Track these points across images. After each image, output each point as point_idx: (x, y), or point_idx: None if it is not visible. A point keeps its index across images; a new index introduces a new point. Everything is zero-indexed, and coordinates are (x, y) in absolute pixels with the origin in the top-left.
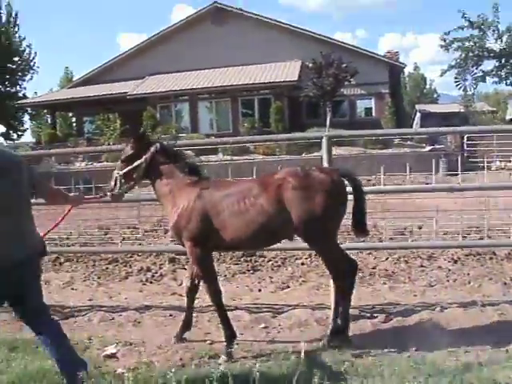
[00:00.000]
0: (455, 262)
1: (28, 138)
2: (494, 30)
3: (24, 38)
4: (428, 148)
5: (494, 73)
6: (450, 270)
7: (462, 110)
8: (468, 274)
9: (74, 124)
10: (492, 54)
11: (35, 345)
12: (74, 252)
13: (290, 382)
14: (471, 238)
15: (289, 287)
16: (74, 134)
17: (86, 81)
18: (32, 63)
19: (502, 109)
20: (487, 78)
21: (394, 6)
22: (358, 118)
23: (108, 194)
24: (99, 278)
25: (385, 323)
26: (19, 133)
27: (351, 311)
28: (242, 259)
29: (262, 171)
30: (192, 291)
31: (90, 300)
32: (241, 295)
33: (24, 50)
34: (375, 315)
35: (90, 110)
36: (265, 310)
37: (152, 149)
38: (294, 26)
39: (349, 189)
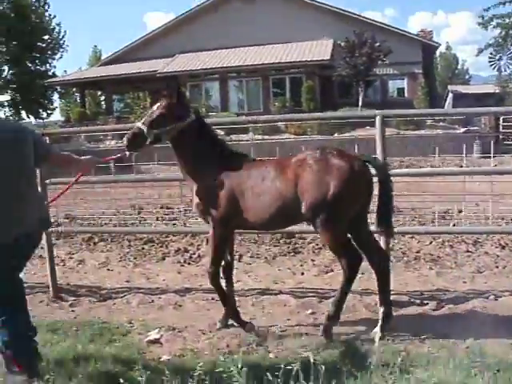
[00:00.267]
0: (503, 247)
1: (57, 116)
2: None
3: (54, 17)
4: (462, 130)
5: None
6: (498, 256)
7: (497, 91)
8: None
9: (103, 103)
10: None
11: (76, 327)
12: (109, 232)
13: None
14: None
15: (332, 271)
16: (103, 112)
17: (116, 59)
18: (62, 41)
19: None
20: None
21: None
22: (389, 99)
23: (125, 152)
24: (135, 258)
25: (436, 310)
26: (49, 111)
27: (399, 297)
28: (281, 241)
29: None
30: (227, 270)
31: (127, 281)
32: (283, 278)
33: (54, 29)
34: (425, 302)
35: (120, 88)
36: (310, 294)
37: (192, 115)
38: (325, 4)
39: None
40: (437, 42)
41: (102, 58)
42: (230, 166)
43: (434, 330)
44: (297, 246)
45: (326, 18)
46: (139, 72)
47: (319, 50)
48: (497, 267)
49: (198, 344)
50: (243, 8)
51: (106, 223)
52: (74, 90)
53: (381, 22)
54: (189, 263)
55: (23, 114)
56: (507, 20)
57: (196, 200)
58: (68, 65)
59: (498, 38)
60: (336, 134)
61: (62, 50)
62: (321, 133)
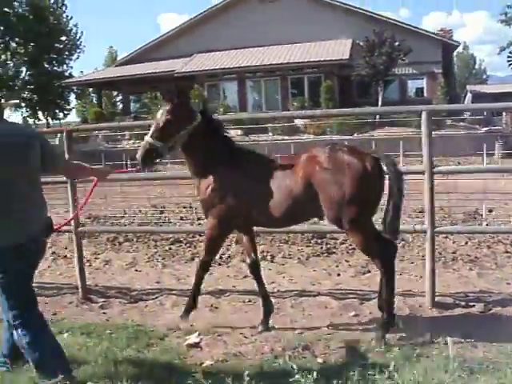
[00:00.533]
0: None
1: (73, 117)
2: None
3: (71, 18)
4: (484, 129)
5: None
6: None
7: None
8: None
9: (120, 103)
10: None
11: (110, 330)
12: (135, 231)
13: None
14: None
15: (369, 272)
16: (119, 112)
17: (131, 60)
18: (78, 43)
19: None
20: None
21: None
22: (408, 98)
23: (139, 166)
24: (163, 259)
25: (484, 313)
26: (65, 112)
27: (443, 299)
28: (312, 241)
29: None
30: (254, 268)
31: (157, 282)
32: (319, 279)
33: (71, 30)
34: (471, 304)
35: (137, 88)
36: (350, 296)
37: (198, 116)
38: (343, 4)
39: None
40: (456, 41)
41: (118, 58)
42: (239, 163)
43: (484, 333)
44: (329, 246)
45: (345, 18)
46: (156, 72)
47: (338, 49)
48: None
49: (240, 348)
50: (261, 7)
51: (131, 222)
52: (91, 90)
53: (400, 21)
54: (219, 264)
55: (40, 114)
56: None
57: (203, 197)
58: (84, 66)
59: None
60: (356, 134)
61: (78, 50)
62: (341, 132)
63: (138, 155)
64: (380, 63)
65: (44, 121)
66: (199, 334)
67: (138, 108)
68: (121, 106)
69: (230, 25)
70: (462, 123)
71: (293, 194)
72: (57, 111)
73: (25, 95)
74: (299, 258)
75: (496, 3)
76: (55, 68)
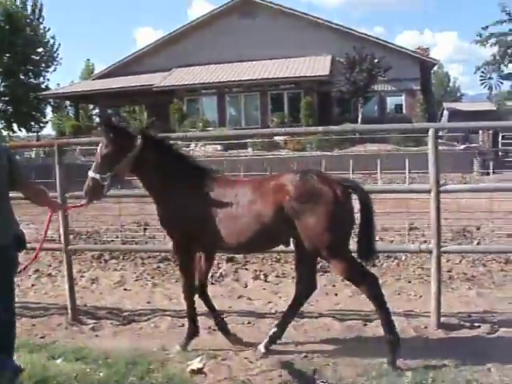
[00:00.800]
0: None
1: (49, 130)
2: None
3: (48, 29)
4: (462, 146)
5: None
6: None
7: (492, 108)
8: None
9: (96, 116)
10: None
11: (105, 355)
12: (119, 250)
13: None
14: None
15: None
16: (96, 126)
17: (110, 73)
18: (56, 54)
19: None
20: None
21: (408, 5)
22: (387, 115)
23: (85, 200)
24: (153, 277)
25: (491, 334)
26: (41, 124)
27: (448, 319)
28: None
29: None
30: (201, 291)
31: (148, 302)
32: (317, 299)
33: (48, 42)
34: (476, 325)
35: (115, 102)
36: (352, 317)
37: (139, 143)
38: (324, 20)
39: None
40: (434, 59)
41: (95, 72)
42: (198, 183)
43: (495, 355)
44: (323, 264)
45: (324, 34)
46: (135, 86)
47: (318, 65)
48: None
49: (247, 374)
50: (241, 23)
51: (112, 240)
52: (67, 103)
53: (379, 38)
54: (212, 283)
55: (15, 126)
56: (508, 38)
57: (162, 219)
58: (60, 78)
59: (496, 54)
60: (336, 150)
61: (55, 63)
62: (320, 149)
63: (84, 190)
64: (360, 79)
65: (19, 133)
66: (202, 359)
67: (117, 121)
68: (97, 119)
69: (210, 40)
70: (440, 140)
71: (261, 220)
72: (32, 123)
73: None
74: (293, 277)
75: (466, 24)
76: (31, 80)
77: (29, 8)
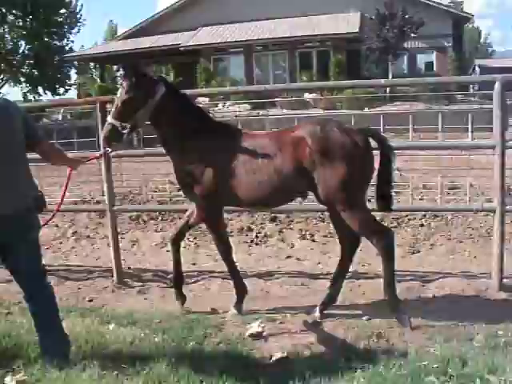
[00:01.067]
0: None
1: (73, 93)
2: None
3: None
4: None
5: None
6: None
7: None
8: None
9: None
10: None
11: (158, 319)
12: (167, 210)
13: None
14: None
15: (419, 251)
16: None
17: (135, 33)
18: (78, 16)
19: None
20: None
21: None
22: (417, 73)
23: (107, 149)
24: (195, 238)
25: None
26: (66, 87)
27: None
28: None
29: None
30: (175, 242)
31: (193, 264)
32: (368, 260)
33: (70, 2)
34: None
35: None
36: (408, 277)
37: (160, 90)
38: None
39: None
40: (468, 13)
41: (118, 32)
42: (216, 139)
43: None
44: None
45: None
46: (161, 46)
47: (347, 22)
48: None
49: (308, 337)
50: None
51: (148, 201)
52: (91, 65)
53: None
54: (256, 243)
55: (40, 90)
56: None
57: (180, 176)
58: (83, 40)
59: None
60: (366, 109)
61: (79, 24)
62: (351, 107)
63: (102, 136)
64: (391, 37)
65: (44, 96)
66: (261, 323)
67: None
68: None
69: None
70: (472, 98)
71: (279, 175)
72: (57, 86)
73: (24, 70)
74: None
75: None
76: (55, 42)
77: None
